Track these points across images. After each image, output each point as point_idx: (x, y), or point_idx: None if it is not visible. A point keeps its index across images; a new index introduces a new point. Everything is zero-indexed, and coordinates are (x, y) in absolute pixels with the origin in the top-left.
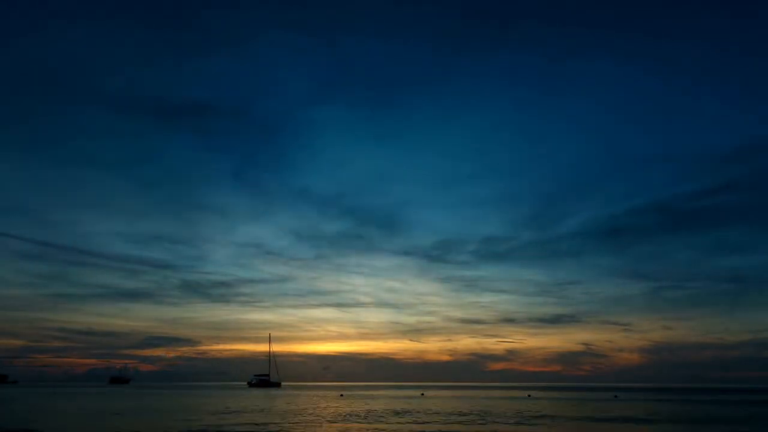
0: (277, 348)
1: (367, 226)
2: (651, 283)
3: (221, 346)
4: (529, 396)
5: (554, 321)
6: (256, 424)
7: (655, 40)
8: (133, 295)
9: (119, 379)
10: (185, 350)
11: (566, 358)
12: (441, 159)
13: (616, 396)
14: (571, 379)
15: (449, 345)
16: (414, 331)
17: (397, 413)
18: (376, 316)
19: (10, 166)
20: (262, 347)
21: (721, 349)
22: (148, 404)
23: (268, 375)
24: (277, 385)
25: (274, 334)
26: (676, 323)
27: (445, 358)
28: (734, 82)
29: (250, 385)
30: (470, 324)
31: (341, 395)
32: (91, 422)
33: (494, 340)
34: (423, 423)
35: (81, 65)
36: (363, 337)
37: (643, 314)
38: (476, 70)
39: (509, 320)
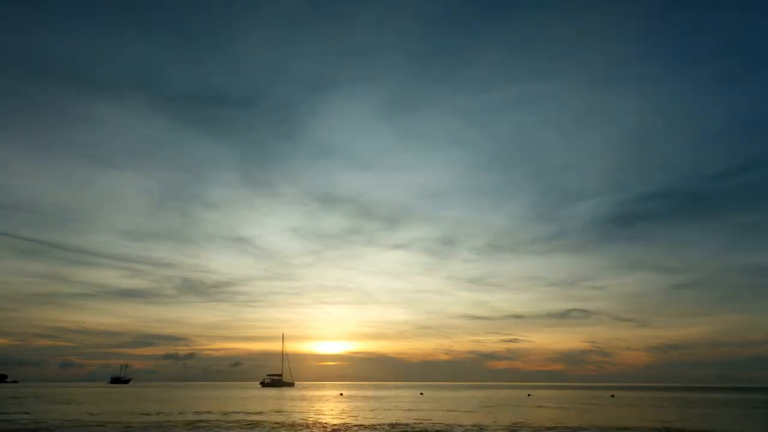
0: (276, 346)
1: (370, 221)
2: (669, 278)
3: (220, 345)
4: (529, 395)
5: (562, 317)
6: None
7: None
8: (134, 295)
9: (120, 378)
10: (185, 349)
11: (571, 356)
12: (446, 152)
13: (612, 396)
14: (575, 379)
15: (452, 344)
16: (417, 330)
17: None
18: (378, 315)
19: (8, 164)
20: (262, 345)
21: (738, 347)
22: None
23: (280, 375)
24: (291, 384)
25: (273, 332)
26: (694, 320)
27: (448, 357)
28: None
29: (263, 384)
30: (474, 321)
31: (341, 394)
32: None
33: (497, 338)
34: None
35: (80, 59)
36: (364, 336)
37: (659, 311)
38: (479, 61)
39: (516, 317)
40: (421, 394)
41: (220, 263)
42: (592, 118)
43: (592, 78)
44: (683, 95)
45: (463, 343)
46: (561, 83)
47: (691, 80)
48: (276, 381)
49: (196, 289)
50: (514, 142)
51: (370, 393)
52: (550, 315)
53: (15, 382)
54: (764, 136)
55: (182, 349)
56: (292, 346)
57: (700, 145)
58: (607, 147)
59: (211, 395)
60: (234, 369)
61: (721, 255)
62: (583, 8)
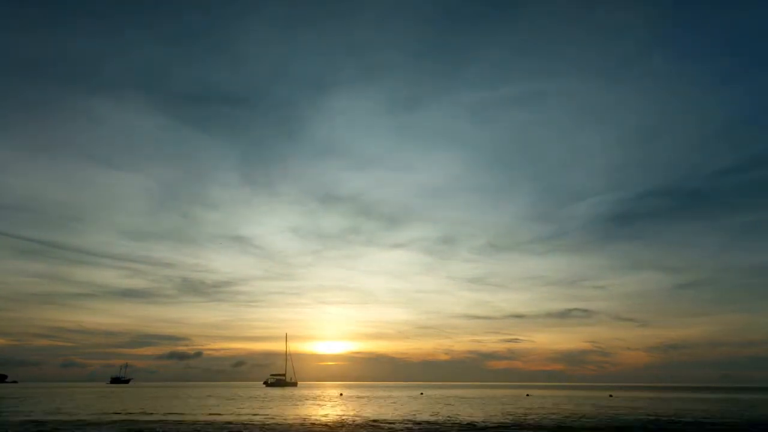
0: (276, 346)
1: (370, 220)
2: (670, 278)
3: (220, 345)
4: (527, 396)
5: (563, 316)
6: None
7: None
8: (134, 295)
9: (120, 378)
10: (186, 349)
11: (571, 356)
12: (447, 151)
13: (611, 396)
14: (575, 379)
15: (452, 344)
16: (417, 330)
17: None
18: (379, 315)
19: (8, 164)
20: (262, 345)
21: (738, 347)
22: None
23: (284, 375)
24: (294, 384)
25: (274, 332)
26: (695, 320)
27: (448, 357)
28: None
29: (267, 384)
30: (474, 321)
31: (341, 394)
32: None
33: (498, 338)
34: None
35: (80, 59)
36: (365, 336)
37: (660, 311)
38: (480, 60)
39: (516, 317)
40: (421, 394)
41: (221, 263)
42: (593, 117)
43: (592, 76)
44: (684, 94)
45: (463, 343)
46: (562, 82)
47: (692, 79)
48: (280, 381)
49: (197, 288)
50: (515, 141)
51: (375, 393)
52: (550, 315)
53: (15, 382)
54: (766, 135)
55: (183, 349)
56: (292, 346)
57: (701, 144)
58: (607, 145)
59: (220, 395)
60: (235, 369)
61: (721, 254)
62: (584, 7)
